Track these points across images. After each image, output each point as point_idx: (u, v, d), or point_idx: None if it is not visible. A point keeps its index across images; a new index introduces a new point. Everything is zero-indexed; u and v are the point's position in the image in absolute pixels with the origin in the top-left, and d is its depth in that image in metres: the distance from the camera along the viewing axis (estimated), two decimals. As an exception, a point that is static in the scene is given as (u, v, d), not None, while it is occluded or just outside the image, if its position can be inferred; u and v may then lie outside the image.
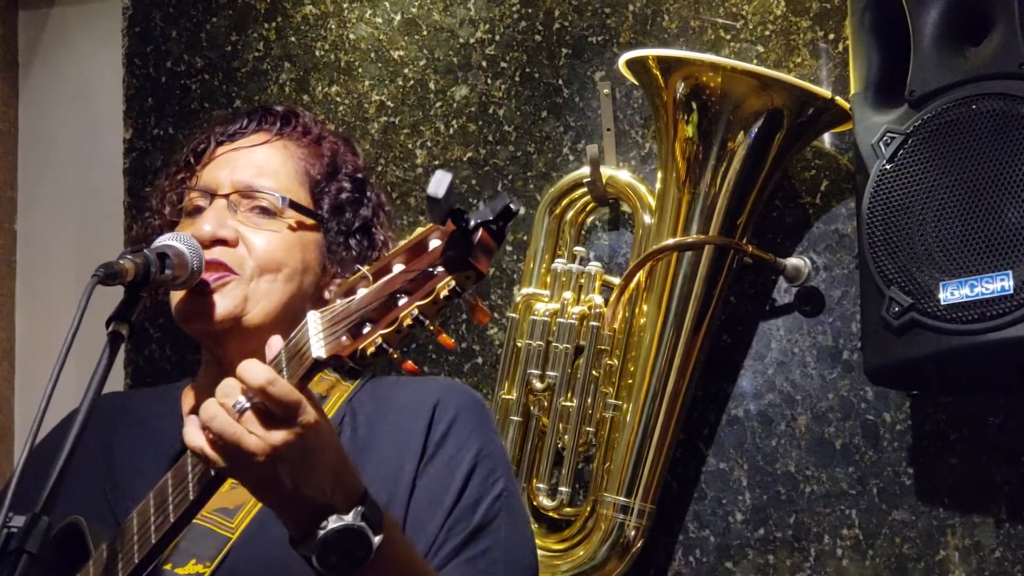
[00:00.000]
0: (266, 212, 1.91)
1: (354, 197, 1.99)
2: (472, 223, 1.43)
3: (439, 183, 1.41)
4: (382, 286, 1.50)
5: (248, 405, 1.53)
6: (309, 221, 1.94)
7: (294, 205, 1.92)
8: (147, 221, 2.01)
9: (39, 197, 3.48)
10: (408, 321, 1.48)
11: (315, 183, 1.97)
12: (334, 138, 2.05)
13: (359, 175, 2.02)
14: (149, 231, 1.99)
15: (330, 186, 1.97)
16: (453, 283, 1.47)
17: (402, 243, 1.53)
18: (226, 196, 1.91)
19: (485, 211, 1.44)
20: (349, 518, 1.56)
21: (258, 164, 1.94)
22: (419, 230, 1.55)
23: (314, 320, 1.53)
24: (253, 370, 1.53)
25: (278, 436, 1.52)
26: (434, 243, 1.50)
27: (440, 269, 1.47)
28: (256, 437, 1.52)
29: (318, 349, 1.51)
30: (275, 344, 1.60)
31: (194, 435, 1.56)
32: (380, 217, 2.02)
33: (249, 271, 1.87)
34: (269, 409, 1.53)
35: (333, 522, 1.55)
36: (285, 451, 1.52)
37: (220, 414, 1.53)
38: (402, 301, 1.49)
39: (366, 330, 1.49)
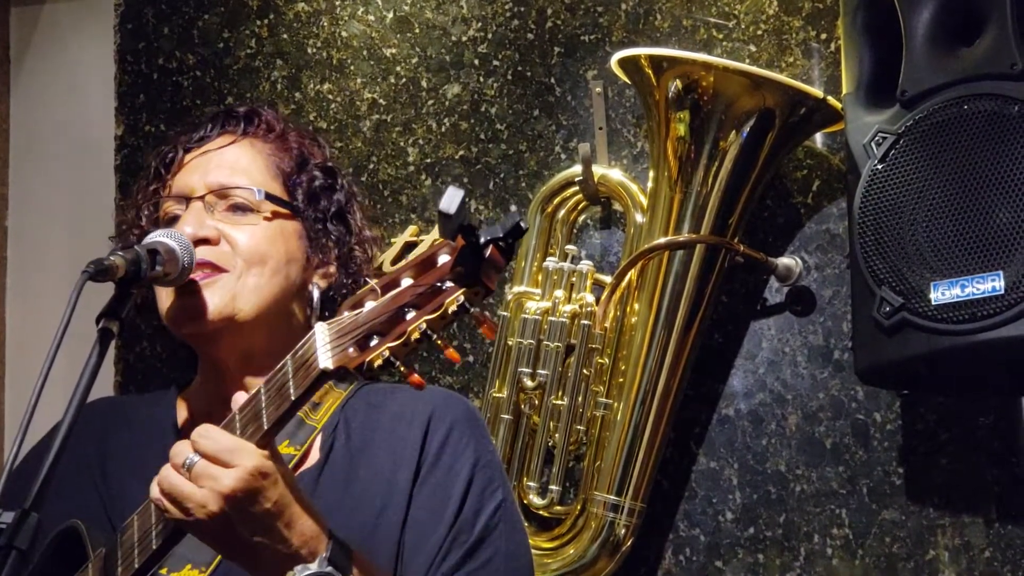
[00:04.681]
0: (242, 209, 1.91)
1: (327, 184, 2.00)
2: (482, 240, 1.44)
3: (451, 200, 1.42)
4: (391, 299, 1.51)
5: (196, 460, 1.57)
6: (286, 212, 1.94)
7: (270, 197, 1.93)
8: (125, 236, 2.01)
9: (30, 193, 3.47)
10: (416, 335, 1.49)
11: (287, 175, 1.97)
12: (298, 132, 2.05)
13: (328, 164, 2.03)
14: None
15: (301, 176, 1.98)
16: (462, 298, 1.48)
17: (410, 257, 1.54)
18: (201, 198, 1.91)
19: (495, 228, 1.45)
20: (315, 566, 1.58)
21: (229, 164, 1.94)
22: (424, 242, 1.56)
23: (322, 331, 1.54)
24: (196, 429, 1.60)
25: (226, 482, 1.55)
26: (443, 258, 1.50)
27: (449, 284, 1.48)
28: (205, 489, 1.55)
29: (325, 360, 1.52)
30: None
31: (155, 491, 1.60)
32: (353, 204, 2.02)
33: (238, 267, 1.87)
34: (214, 460, 1.56)
35: (299, 572, 1.58)
36: (236, 498, 1.55)
37: (171, 473, 1.58)
38: (410, 315, 1.50)
39: (374, 343, 1.50)
